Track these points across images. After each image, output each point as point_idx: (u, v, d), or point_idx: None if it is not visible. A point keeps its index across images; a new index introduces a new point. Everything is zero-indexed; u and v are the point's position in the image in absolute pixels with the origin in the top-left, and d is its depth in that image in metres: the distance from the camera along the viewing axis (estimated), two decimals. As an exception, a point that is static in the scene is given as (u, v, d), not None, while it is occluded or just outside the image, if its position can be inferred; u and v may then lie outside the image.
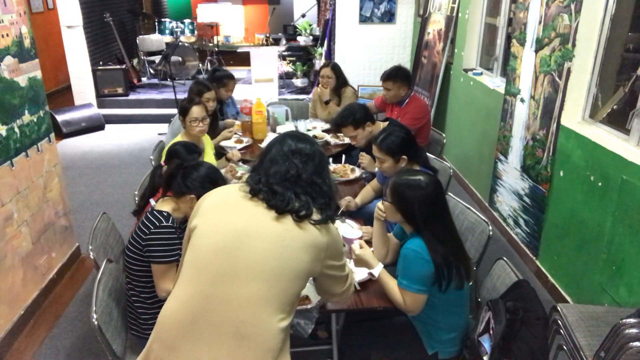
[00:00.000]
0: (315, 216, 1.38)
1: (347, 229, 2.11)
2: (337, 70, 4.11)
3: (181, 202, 1.99)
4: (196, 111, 2.87)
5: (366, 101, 5.86)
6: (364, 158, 2.98)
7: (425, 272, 1.73)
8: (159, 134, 6.00)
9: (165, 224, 1.88)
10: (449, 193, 2.59)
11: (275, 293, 1.29)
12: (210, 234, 1.36)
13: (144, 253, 1.88)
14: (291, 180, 1.40)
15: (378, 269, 1.85)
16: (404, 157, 2.38)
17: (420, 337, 1.90)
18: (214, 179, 2.02)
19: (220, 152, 3.49)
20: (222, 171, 2.93)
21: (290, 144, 1.47)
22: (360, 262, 1.89)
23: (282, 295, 1.30)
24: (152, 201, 2.13)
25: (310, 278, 1.45)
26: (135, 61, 8.32)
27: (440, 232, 1.77)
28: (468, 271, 1.81)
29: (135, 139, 6.12)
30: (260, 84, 6.65)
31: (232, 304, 1.27)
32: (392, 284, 1.81)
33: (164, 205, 2.00)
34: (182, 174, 2.00)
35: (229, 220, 1.36)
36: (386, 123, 3.08)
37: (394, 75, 3.57)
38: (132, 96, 7.19)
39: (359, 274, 1.98)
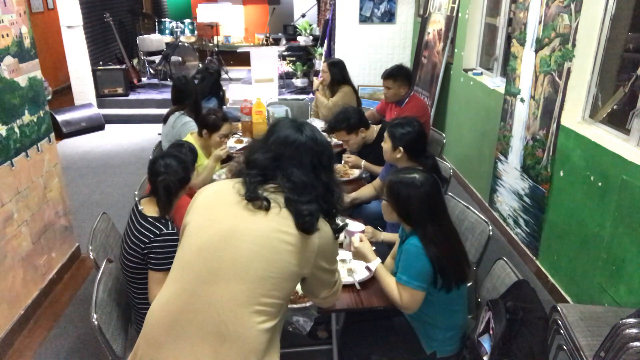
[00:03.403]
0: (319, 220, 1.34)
1: (351, 223, 2.13)
2: (332, 67, 4.10)
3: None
4: (226, 128, 2.96)
5: (366, 101, 5.87)
6: (350, 158, 3.06)
7: (427, 268, 1.73)
8: (159, 134, 5.98)
9: (165, 231, 1.89)
10: (449, 193, 2.59)
11: (258, 295, 1.26)
12: (197, 232, 1.34)
13: (144, 259, 1.89)
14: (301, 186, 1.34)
15: (375, 263, 1.85)
16: (400, 148, 2.41)
17: (418, 336, 1.90)
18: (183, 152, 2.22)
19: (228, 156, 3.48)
20: (222, 171, 2.94)
21: (299, 138, 1.39)
22: (358, 255, 1.90)
23: (266, 297, 1.26)
24: (139, 206, 2.02)
25: None
26: (135, 61, 8.32)
27: (433, 234, 1.76)
28: (462, 278, 1.80)
29: (135, 139, 6.12)
30: (260, 84, 6.64)
31: (213, 304, 1.25)
32: (388, 280, 1.81)
33: (150, 206, 1.98)
34: (173, 178, 2.00)
35: (217, 219, 1.34)
36: (379, 126, 3.09)
37: (394, 74, 3.57)
38: (132, 96, 7.19)
39: (360, 274, 1.98)
